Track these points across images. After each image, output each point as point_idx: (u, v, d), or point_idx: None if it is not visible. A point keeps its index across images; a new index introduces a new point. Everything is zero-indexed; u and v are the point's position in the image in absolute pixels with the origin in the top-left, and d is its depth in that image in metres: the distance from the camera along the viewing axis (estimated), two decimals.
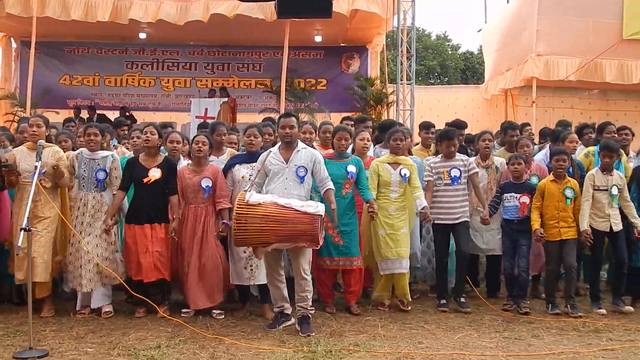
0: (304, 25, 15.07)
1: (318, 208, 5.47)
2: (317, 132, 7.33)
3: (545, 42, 16.51)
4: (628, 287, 6.89)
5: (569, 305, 6.46)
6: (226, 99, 14.98)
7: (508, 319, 6.28)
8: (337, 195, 6.10)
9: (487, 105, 20.34)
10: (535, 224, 6.51)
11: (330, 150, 6.79)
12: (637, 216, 6.65)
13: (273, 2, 12.78)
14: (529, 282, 6.93)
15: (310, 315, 5.78)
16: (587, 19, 16.35)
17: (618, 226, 6.61)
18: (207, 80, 18.23)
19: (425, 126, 7.73)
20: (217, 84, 17.58)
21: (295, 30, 14.26)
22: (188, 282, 6.25)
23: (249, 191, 5.63)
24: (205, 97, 15.56)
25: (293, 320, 5.88)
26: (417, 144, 8.09)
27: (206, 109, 14.60)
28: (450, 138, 6.73)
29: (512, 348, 5.35)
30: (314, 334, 5.58)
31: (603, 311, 6.52)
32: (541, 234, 6.47)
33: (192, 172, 6.34)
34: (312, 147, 6.60)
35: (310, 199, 5.75)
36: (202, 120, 13.89)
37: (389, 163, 6.59)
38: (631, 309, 6.61)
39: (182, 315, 6.20)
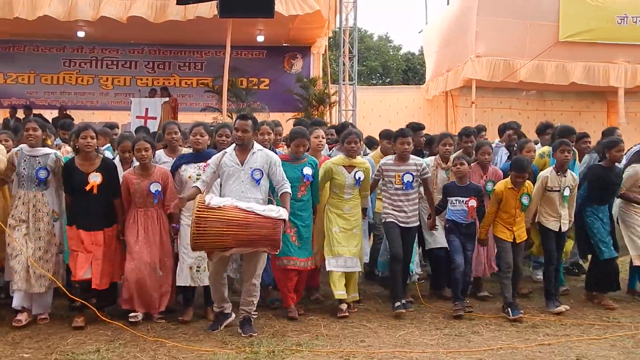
0: (246, 25, 14.97)
1: (280, 212, 5.37)
2: None
3: (484, 43, 16.84)
4: (596, 282, 7.01)
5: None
6: (167, 99, 14.78)
7: (448, 316, 6.36)
8: (293, 197, 6.04)
9: (428, 105, 20.60)
10: (483, 233, 6.59)
11: (284, 150, 6.73)
12: (573, 219, 6.81)
13: (214, 2, 12.74)
14: (469, 286, 6.98)
15: (252, 318, 5.74)
16: (524, 21, 16.75)
17: (566, 226, 6.71)
18: (147, 79, 18.01)
19: (387, 135, 7.51)
20: (158, 82, 17.44)
21: (237, 29, 14.15)
22: (158, 284, 6.06)
23: (208, 193, 5.51)
24: (146, 97, 15.30)
25: (233, 315, 5.83)
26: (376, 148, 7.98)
27: (147, 109, 14.34)
28: (404, 135, 6.57)
29: (453, 345, 5.43)
30: (256, 334, 5.56)
31: (561, 309, 6.50)
32: (484, 245, 6.71)
33: (139, 176, 6.09)
34: (271, 147, 6.55)
35: (269, 202, 5.66)
36: (142, 120, 13.70)
37: (344, 166, 6.52)
38: (567, 307, 6.59)
39: (129, 320, 5.90)
